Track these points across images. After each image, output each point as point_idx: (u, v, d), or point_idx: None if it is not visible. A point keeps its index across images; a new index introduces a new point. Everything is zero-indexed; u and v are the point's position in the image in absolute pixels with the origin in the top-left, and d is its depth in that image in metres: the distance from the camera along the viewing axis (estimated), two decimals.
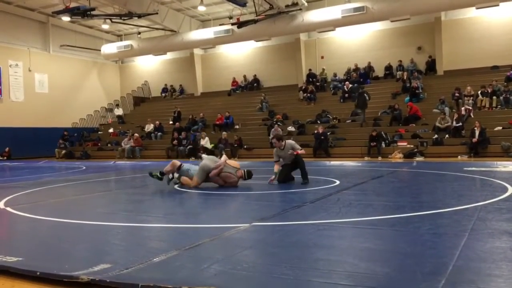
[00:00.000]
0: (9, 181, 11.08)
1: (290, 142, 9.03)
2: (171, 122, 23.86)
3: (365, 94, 18.95)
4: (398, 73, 22.48)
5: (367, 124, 18.79)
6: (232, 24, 22.47)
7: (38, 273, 3.14)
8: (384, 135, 16.95)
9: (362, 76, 22.81)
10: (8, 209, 6.21)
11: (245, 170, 8.29)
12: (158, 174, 8.35)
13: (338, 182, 8.46)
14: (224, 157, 8.45)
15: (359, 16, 20.01)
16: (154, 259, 3.42)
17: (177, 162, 8.39)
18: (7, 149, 22.80)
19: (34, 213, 5.78)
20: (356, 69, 23.32)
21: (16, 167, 16.88)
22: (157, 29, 25.54)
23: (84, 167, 15.84)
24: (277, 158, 8.94)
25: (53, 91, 25.99)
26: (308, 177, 8.44)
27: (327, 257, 3.46)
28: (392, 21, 20.87)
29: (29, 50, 25.01)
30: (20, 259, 3.51)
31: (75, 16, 20.68)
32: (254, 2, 20.34)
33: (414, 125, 17.83)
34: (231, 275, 3.06)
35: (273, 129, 19.06)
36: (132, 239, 4.41)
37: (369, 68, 23.29)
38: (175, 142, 20.58)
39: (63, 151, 23.28)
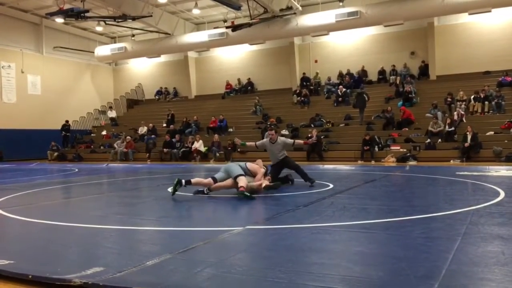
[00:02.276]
0: (0, 183, 10.98)
1: (282, 138, 9.17)
2: (164, 125, 23.80)
3: (364, 95, 19.22)
4: (391, 77, 22.60)
5: (364, 123, 19.04)
6: (227, 27, 22.49)
7: (30, 276, 3.11)
8: (377, 139, 17.02)
9: (355, 80, 22.90)
10: (0, 211, 6.16)
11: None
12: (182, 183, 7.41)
13: (331, 185, 8.48)
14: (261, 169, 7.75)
15: (353, 21, 20.12)
16: (147, 263, 3.40)
17: (209, 181, 7.49)
18: None
19: (26, 216, 5.74)
20: (349, 73, 23.42)
21: (7, 169, 16.74)
22: (151, 31, 25.48)
23: (77, 170, 15.75)
24: (262, 146, 9.05)
25: (46, 93, 25.84)
26: (310, 178, 8.53)
27: (321, 260, 3.46)
28: (385, 26, 21.01)
29: (22, 51, 24.86)
30: (12, 262, 3.48)
31: (68, 18, 20.56)
32: (248, 5, 20.38)
33: (407, 129, 17.92)
34: (224, 279, 3.05)
35: (267, 133, 19.01)
36: (125, 242, 4.38)
37: (363, 72, 23.38)
38: (165, 150, 20.43)
39: (55, 153, 23.13)
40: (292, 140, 9.16)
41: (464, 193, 7.69)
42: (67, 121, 25.04)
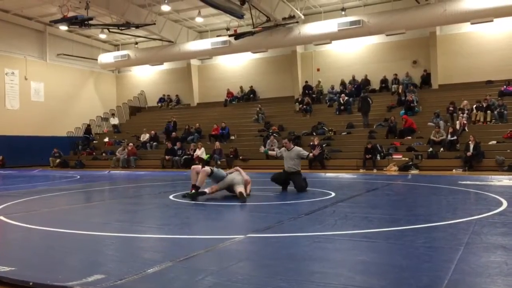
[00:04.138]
0: (2, 189, 10.99)
1: (298, 148, 9.54)
2: None
3: (368, 98, 19.50)
4: (393, 86, 22.62)
5: (368, 127, 19.35)
6: (229, 35, 22.60)
7: (31, 283, 3.11)
8: (379, 147, 17.01)
9: (357, 88, 22.92)
10: (1, 218, 6.15)
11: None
12: (196, 192, 7.87)
13: (333, 194, 8.46)
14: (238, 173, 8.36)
15: (355, 30, 20.19)
16: (148, 270, 3.39)
17: (208, 169, 7.99)
18: (0, 157, 22.67)
19: (27, 222, 5.73)
20: (354, 80, 23.47)
21: (10, 176, 16.77)
22: (154, 39, 25.65)
23: (79, 176, 15.76)
24: (279, 154, 9.44)
25: (49, 99, 25.94)
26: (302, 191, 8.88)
27: (322, 269, 3.45)
28: (387, 35, 21.09)
29: (25, 58, 25.01)
30: (13, 268, 3.47)
31: (72, 26, 20.70)
32: (251, 14, 20.49)
33: (409, 138, 17.92)
34: (226, 287, 3.03)
35: (269, 140, 19.09)
36: (126, 250, 4.37)
37: (366, 81, 23.41)
38: (167, 157, 20.47)
39: (58, 160, 23.17)
40: (307, 153, 9.44)
41: (467, 203, 7.67)
42: (89, 125, 26.24)
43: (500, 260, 3.63)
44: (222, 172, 8.21)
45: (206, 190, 7.88)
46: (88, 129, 26.24)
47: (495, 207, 6.41)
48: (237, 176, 8.09)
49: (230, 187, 8.00)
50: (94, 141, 26.30)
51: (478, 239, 4.38)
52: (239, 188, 7.70)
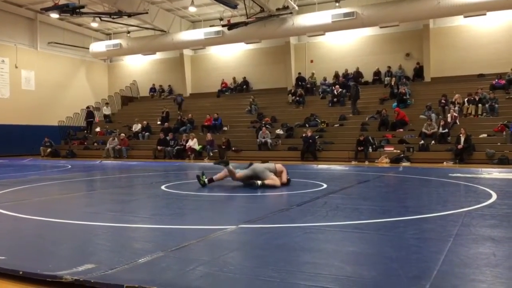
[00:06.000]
0: None
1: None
2: (159, 123, 23.75)
3: (358, 87, 19.97)
4: (386, 78, 22.67)
5: (357, 114, 19.79)
6: (223, 25, 22.47)
7: (21, 273, 3.09)
8: (371, 139, 17.09)
9: (350, 81, 22.91)
10: None
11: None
12: (206, 181, 8.23)
13: (325, 185, 8.49)
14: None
15: (349, 22, 20.17)
16: (140, 260, 3.39)
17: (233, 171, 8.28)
18: None
19: (17, 212, 5.69)
20: (346, 74, 23.47)
21: (0, 165, 16.61)
22: (147, 28, 25.42)
23: (70, 166, 15.68)
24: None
25: (39, 88, 25.68)
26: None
27: (313, 260, 3.47)
28: (381, 27, 21.10)
29: (16, 46, 24.69)
30: (3, 258, 3.45)
31: (63, 13, 20.46)
32: (245, 4, 20.38)
33: (401, 130, 18.00)
34: (217, 277, 3.04)
35: (261, 132, 19.08)
36: (118, 240, 4.36)
37: (357, 73, 23.41)
38: (160, 148, 20.39)
39: (49, 150, 23.00)
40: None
41: (457, 195, 7.73)
42: (89, 108, 25.92)
43: (488, 251, 3.68)
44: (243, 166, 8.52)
45: (231, 177, 8.19)
46: (90, 113, 25.82)
47: (485, 200, 6.47)
48: (260, 164, 8.26)
49: (255, 176, 8.08)
50: (85, 131, 26.13)
51: (467, 230, 4.43)
52: (267, 179, 7.92)
